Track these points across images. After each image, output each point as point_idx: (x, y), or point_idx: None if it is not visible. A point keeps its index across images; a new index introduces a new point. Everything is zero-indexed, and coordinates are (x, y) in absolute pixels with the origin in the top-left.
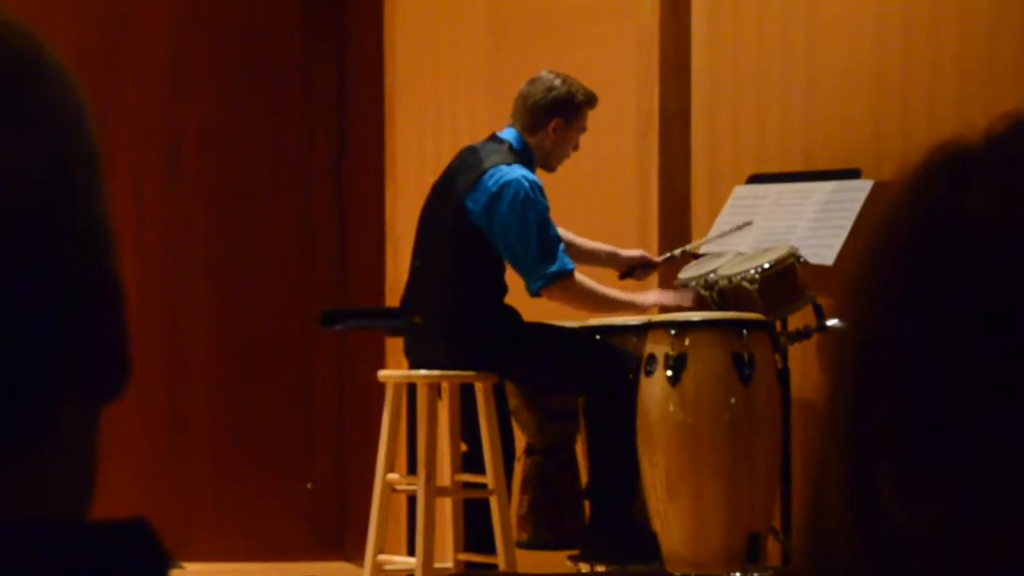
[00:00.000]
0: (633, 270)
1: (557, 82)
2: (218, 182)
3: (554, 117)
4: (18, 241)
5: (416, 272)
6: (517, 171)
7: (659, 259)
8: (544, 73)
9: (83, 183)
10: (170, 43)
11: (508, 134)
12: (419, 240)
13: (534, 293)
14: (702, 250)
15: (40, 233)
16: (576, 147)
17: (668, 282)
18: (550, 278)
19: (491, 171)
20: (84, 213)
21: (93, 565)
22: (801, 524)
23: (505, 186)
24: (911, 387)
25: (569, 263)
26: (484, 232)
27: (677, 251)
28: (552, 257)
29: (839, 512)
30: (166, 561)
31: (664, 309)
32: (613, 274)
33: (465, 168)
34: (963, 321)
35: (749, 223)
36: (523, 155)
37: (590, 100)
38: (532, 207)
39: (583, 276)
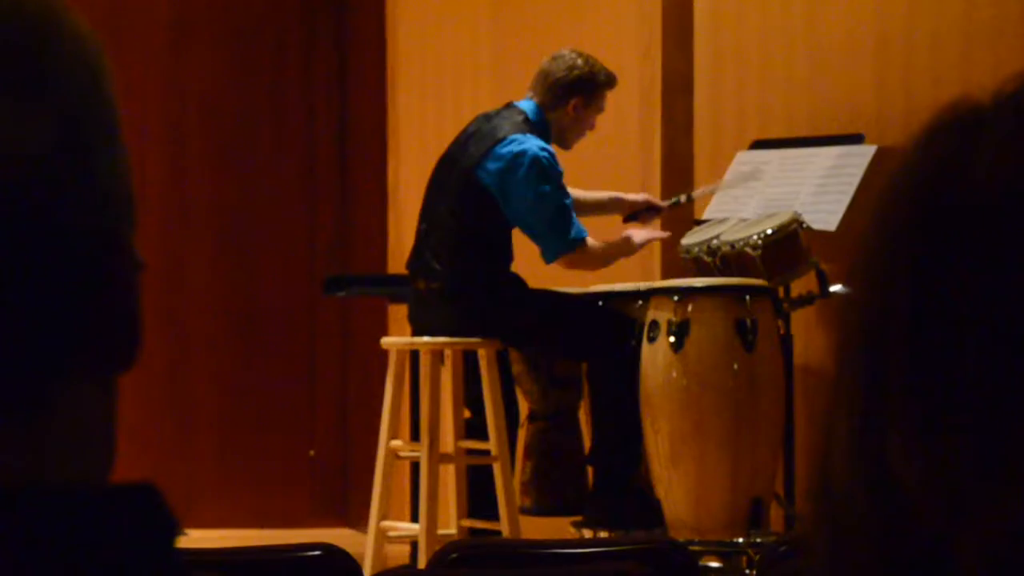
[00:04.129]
0: (638, 214)
1: (579, 61)
2: (220, 151)
3: (574, 96)
4: (27, 207)
5: (422, 236)
6: (532, 141)
7: (664, 204)
8: (566, 51)
9: (97, 149)
10: (172, 12)
11: (525, 105)
12: (426, 204)
13: (549, 261)
14: (707, 215)
15: (50, 200)
16: (592, 127)
17: (671, 228)
18: (565, 247)
19: (506, 140)
20: (97, 180)
21: (103, 529)
22: (808, 489)
23: (520, 155)
24: (921, 351)
25: (583, 230)
26: (495, 199)
27: (682, 196)
28: (567, 226)
29: (847, 476)
30: (175, 525)
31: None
32: (618, 220)
33: (479, 135)
34: (973, 283)
35: (756, 173)
36: (538, 127)
37: (610, 81)
38: (547, 176)
39: (592, 239)
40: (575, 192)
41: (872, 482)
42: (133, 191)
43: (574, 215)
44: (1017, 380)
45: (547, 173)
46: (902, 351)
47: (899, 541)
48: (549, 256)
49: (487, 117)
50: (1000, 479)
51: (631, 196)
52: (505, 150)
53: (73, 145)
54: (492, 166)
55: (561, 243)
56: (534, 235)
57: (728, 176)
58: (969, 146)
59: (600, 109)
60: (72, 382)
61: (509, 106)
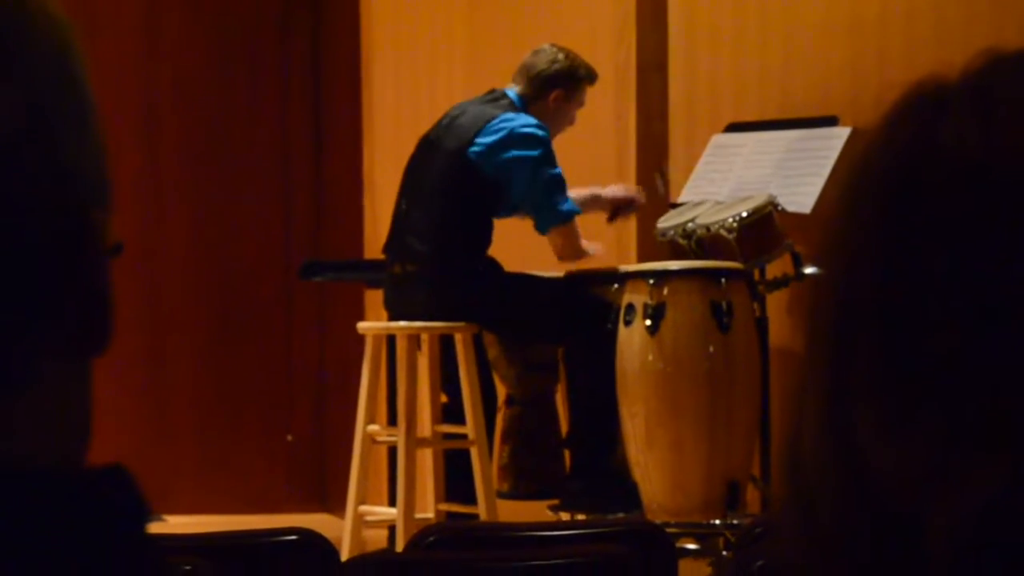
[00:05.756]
0: (619, 210)
1: (560, 56)
2: (195, 137)
3: (555, 89)
4: None
5: (401, 216)
6: (524, 117)
7: (642, 198)
8: (547, 46)
9: (66, 131)
10: (145, 1)
11: (510, 92)
12: (406, 184)
13: (544, 231)
14: (682, 198)
15: (17, 181)
16: (572, 121)
17: (646, 210)
18: (561, 217)
19: (501, 116)
20: (65, 164)
21: (70, 512)
22: (779, 466)
23: (514, 128)
24: (888, 328)
25: (575, 205)
26: (485, 177)
27: (659, 183)
28: (562, 197)
29: (817, 454)
30: (145, 506)
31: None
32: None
33: (468, 117)
34: (940, 259)
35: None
36: (525, 112)
37: (590, 76)
38: (541, 146)
39: None
40: None
41: (842, 459)
42: (108, 173)
43: (566, 188)
44: (986, 355)
45: (541, 143)
46: (870, 328)
47: (869, 517)
48: (543, 225)
49: (472, 102)
50: (968, 455)
51: (608, 192)
52: (498, 125)
53: (41, 127)
54: (484, 140)
55: (556, 214)
56: (531, 205)
57: (698, 171)
58: (936, 122)
59: (580, 103)
60: (44, 364)
61: (493, 92)
